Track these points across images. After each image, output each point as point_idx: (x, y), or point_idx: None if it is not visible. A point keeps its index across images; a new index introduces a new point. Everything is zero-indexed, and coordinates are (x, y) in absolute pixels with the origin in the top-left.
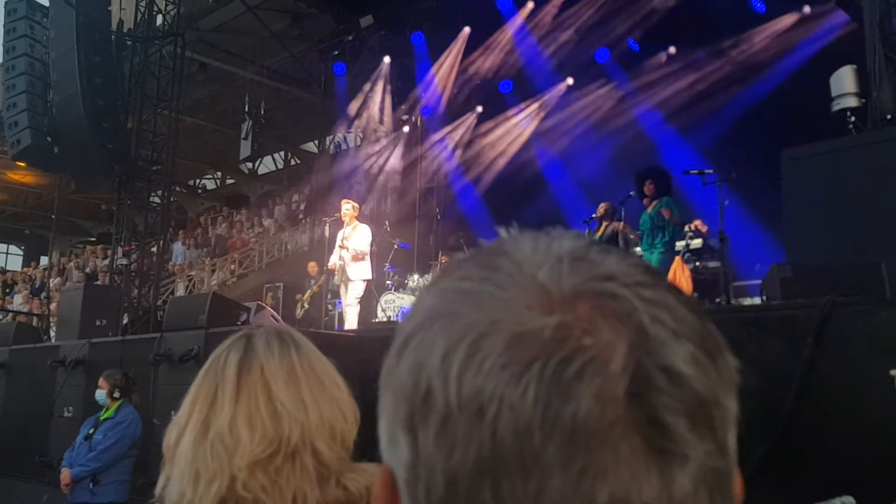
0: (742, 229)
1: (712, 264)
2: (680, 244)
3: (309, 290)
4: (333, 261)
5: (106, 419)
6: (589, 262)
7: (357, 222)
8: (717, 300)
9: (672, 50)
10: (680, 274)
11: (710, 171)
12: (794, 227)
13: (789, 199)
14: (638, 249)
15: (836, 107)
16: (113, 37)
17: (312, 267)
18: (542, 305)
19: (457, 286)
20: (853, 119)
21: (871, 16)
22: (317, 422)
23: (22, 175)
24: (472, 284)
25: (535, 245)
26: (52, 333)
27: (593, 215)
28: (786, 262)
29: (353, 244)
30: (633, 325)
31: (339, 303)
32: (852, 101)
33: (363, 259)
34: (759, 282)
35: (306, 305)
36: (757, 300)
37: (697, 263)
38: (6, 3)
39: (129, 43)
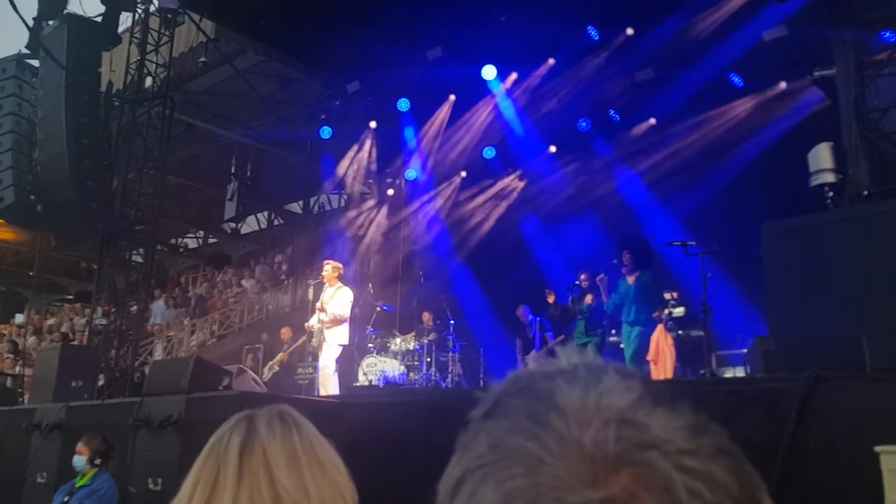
0: (724, 299)
1: (695, 333)
2: (663, 313)
3: (281, 354)
4: (312, 322)
5: (81, 486)
6: (635, 427)
7: (340, 284)
8: (702, 371)
9: (652, 121)
10: (663, 342)
11: (693, 242)
12: (775, 299)
13: (770, 271)
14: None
15: (814, 182)
16: (102, 98)
17: (285, 332)
18: (586, 477)
19: (507, 440)
20: (831, 194)
21: (846, 95)
22: None
23: (0, 231)
24: (523, 440)
25: (584, 397)
26: (26, 395)
27: (576, 282)
28: (767, 333)
29: (331, 308)
30: (671, 501)
31: (318, 366)
32: (830, 177)
33: (341, 323)
34: (741, 351)
35: (276, 368)
36: (739, 370)
37: (680, 332)
38: None
39: (117, 104)
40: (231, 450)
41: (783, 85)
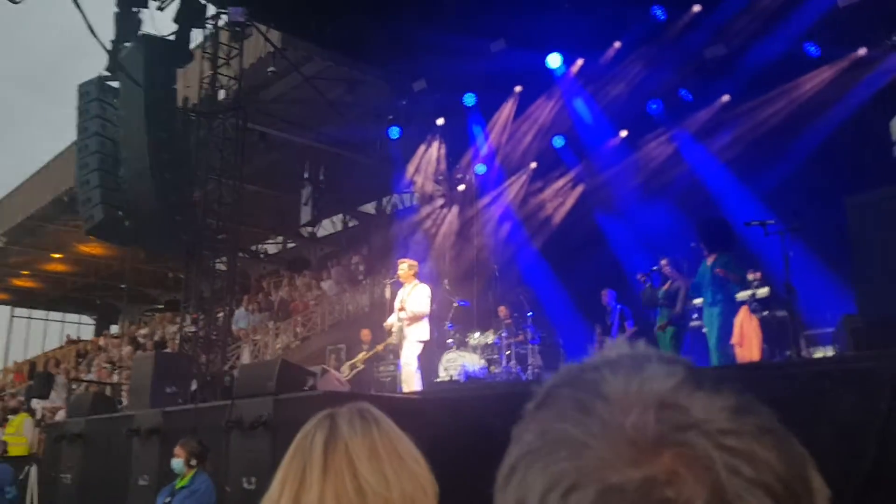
0: (810, 278)
1: (781, 313)
2: (746, 294)
3: (362, 353)
4: (391, 320)
5: (182, 487)
6: (675, 409)
7: (416, 281)
8: (788, 353)
9: (725, 98)
10: (747, 325)
11: (772, 221)
12: (863, 275)
13: (856, 246)
14: (698, 301)
15: None
16: (179, 113)
17: (366, 335)
18: (628, 457)
19: (554, 427)
20: None
21: None
22: (399, 498)
23: (92, 247)
24: (568, 426)
25: (627, 384)
26: (124, 401)
27: (654, 268)
28: (856, 311)
29: (410, 306)
30: (710, 478)
31: (400, 364)
32: None
33: (421, 320)
34: (830, 330)
35: (360, 366)
36: (829, 349)
37: (766, 313)
38: (79, 86)
39: (193, 118)
40: (315, 447)
41: (862, 51)
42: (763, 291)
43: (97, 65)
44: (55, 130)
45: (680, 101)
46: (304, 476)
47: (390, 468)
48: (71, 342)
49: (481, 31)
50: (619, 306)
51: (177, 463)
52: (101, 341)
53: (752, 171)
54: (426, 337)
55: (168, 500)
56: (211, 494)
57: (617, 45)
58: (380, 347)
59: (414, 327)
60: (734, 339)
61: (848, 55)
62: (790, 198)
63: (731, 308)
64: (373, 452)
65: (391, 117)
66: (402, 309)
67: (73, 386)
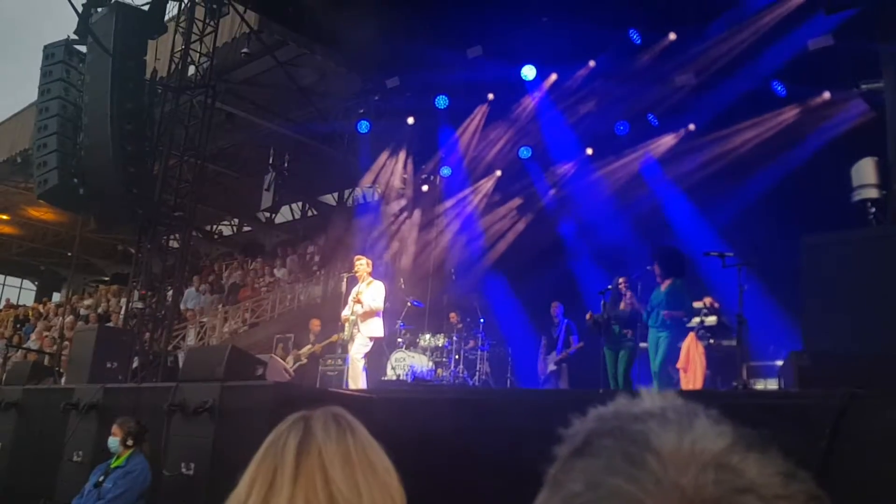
0: (759, 310)
1: (726, 342)
2: (694, 321)
3: (308, 347)
4: (346, 313)
5: (116, 467)
6: (731, 471)
7: (371, 279)
8: (734, 384)
9: (692, 127)
10: (693, 351)
11: (731, 253)
12: (812, 314)
13: (808, 285)
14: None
15: (856, 197)
16: (146, 85)
17: (315, 324)
18: None
19: (604, 480)
20: (874, 210)
21: (893, 109)
22: None
23: (42, 212)
24: (621, 482)
25: (679, 441)
26: (63, 373)
27: (609, 287)
28: (802, 347)
29: (366, 300)
30: None
31: (348, 358)
32: (873, 193)
33: (375, 316)
34: (773, 363)
35: (304, 360)
36: (771, 381)
37: (711, 341)
38: (45, 47)
39: (160, 91)
40: (288, 450)
41: (827, 95)
42: (711, 319)
43: (64, 26)
44: (11, 88)
45: (647, 125)
46: (274, 479)
47: (362, 477)
48: (10, 307)
49: (459, 37)
50: (565, 320)
51: (113, 442)
52: (42, 309)
53: (712, 200)
54: (379, 334)
55: (101, 478)
56: (146, 476)
57: (591, 63)
58: (330, 340)
59: (367, 323)
60: (680, 364)
61: (813, 97)
62: (748, 231)
63: (680, 334)
64: (346, 460)
65: (362, 111)
66: (357, 302)
67: (9, 352)
